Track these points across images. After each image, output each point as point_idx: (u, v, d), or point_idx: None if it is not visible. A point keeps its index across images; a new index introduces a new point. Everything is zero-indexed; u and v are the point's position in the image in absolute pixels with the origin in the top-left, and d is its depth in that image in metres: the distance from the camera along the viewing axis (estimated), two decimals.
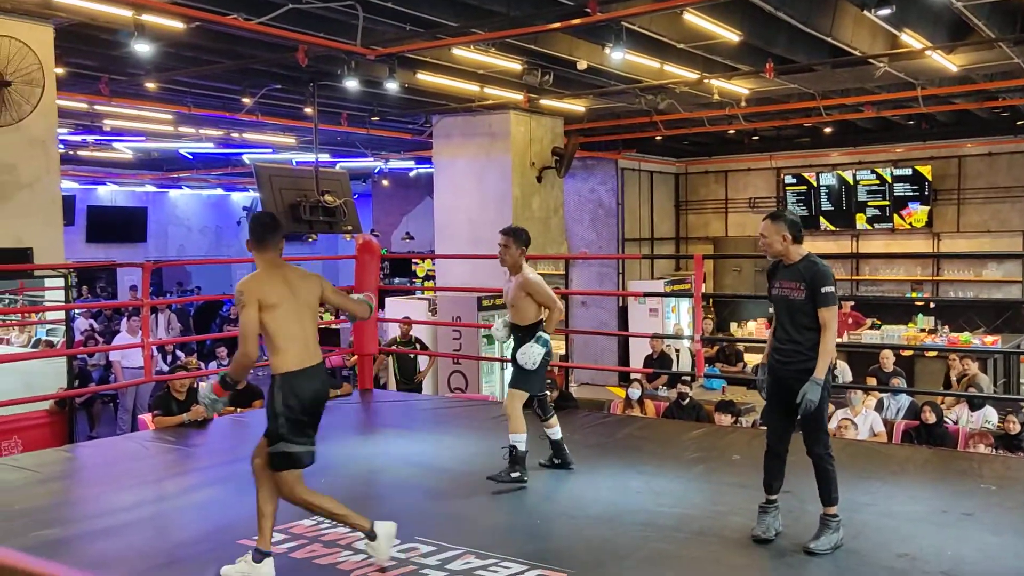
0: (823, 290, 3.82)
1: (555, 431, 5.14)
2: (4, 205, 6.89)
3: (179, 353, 13.36)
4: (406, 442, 6.15)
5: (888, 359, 9.13)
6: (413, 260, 20.50)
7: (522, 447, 4.84)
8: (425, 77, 9.92)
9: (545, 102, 11.69)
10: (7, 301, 9.61)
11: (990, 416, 7.69)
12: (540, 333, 4.94)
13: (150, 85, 9.94)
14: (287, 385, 3.60)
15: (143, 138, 14.28)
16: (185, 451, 5.87)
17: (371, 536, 3.68)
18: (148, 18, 6.74)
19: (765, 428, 7.29)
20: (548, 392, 5.36)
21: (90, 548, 4.08)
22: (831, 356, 3.84)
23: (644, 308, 14.65)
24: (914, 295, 14.51)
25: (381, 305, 11.02)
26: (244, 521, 3.97)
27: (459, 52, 8.86)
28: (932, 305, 13.65)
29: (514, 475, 4.80)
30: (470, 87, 10.66)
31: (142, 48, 6.86)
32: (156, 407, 6.64)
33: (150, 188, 21.40)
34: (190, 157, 16.95)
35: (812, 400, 3.78)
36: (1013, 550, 3.84)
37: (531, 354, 4.91)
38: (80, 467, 5.75)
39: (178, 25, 7.09)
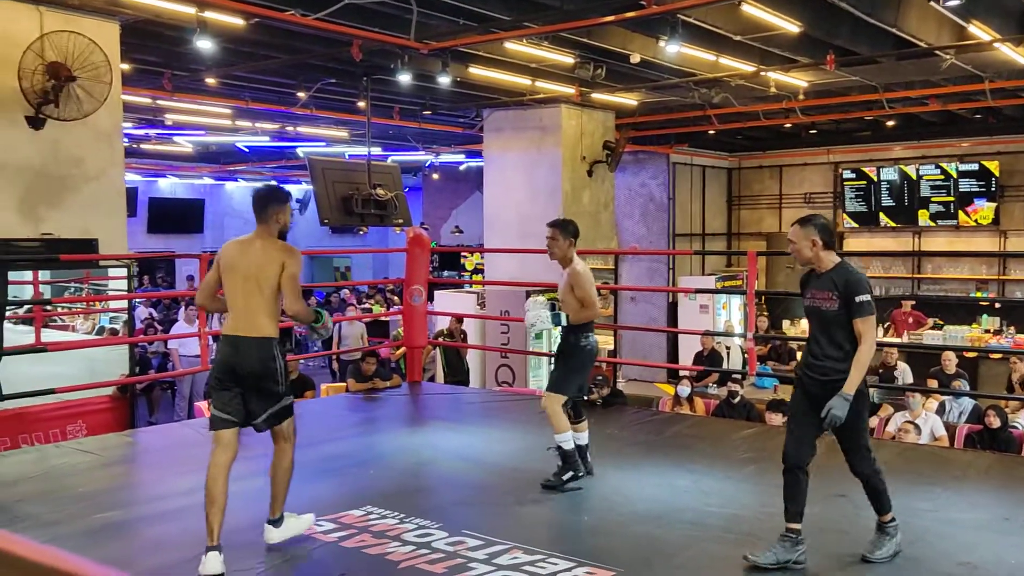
0: (858, 299, 3.60)
1: (583, 436, 4.98)
2: (71, 197, 7.11)
3: None
4: (454, 435, 6.18)
5: (950, 360, 8.86)
6: (462, 254, 20.61)
7: (568, 446, 4.77)
8: (477, 71, 9.93)
9: (597, 96, 11.60)
10: (73, 289, 9.94)
11: None
12: (559, 311, 4.83)
13: (210, 80, 10.15)
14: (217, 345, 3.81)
15: (202, 132, 14.60)
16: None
17: (209, 550, 3.63)
18: (210, 15, 6.87)
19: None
20: (585, 396, 5.18)
21: (148, 531, 4.20)
22: (864, 370, 3.62)
23: (694, 304, 14.48)
24: (979, 295, 14.05)
25: (430, 298, 11.09)
26: (295, 508, 4.04)
27: (511, 46, 8.84)
28: (997, 305, 13.20)
29: (566, 477, 4.72)
30: (522, 81, 10.65)
31: (204, 44, 7.00)
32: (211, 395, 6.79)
33: (208, 180, 21.90)
34: (246, 150, 17.29)
35: (838, 416, 3.54)
36: None
37: (533, 318, 4.81)
38: (140, 452, 5.93)
39: (238, 21, 7.21)
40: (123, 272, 7.63)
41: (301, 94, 10.78)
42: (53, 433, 6.45)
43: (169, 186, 21.53)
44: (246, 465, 5.38)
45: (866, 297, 3.63)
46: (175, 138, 15.53)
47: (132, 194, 18.44)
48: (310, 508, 4.28)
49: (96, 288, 9.21)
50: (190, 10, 6.75)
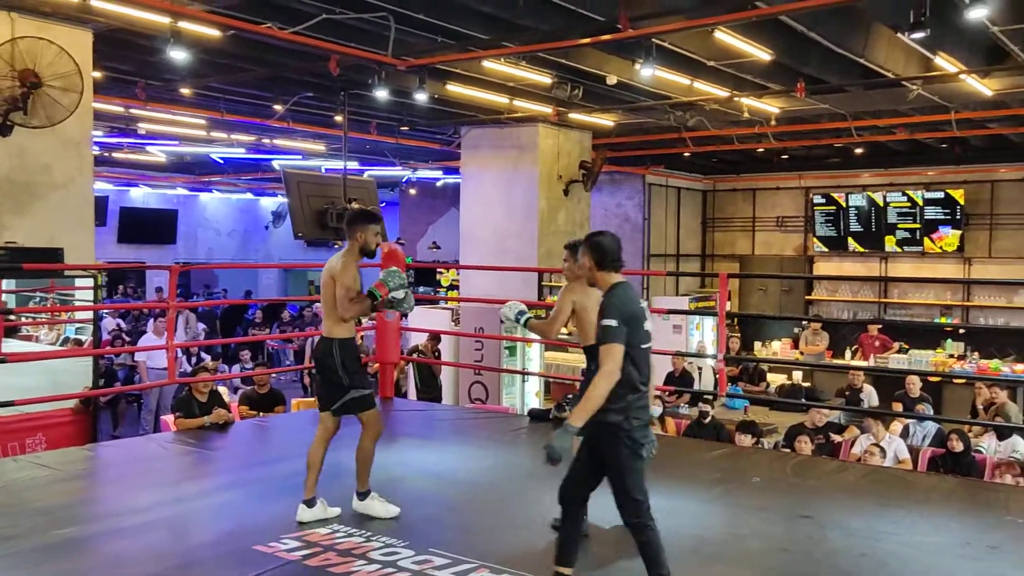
0: (602, 323, 3.32)
1: None
2: (38, 205, 7.01)
3: (204, 355, 13.50)
4: (425, 452, 6.14)
5: (914, 384, 8.97)
6: (438, 270, 20.57)
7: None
8: (455, 88, 9.97)
9: (574, 116, 11.70)
10: (38, 299, 9.75)
11: (1018, 446, 7.53)
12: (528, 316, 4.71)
13: (185, 91, 10.09)
14: None
15: (176, 142, 14.49)
16: (205, 454, 5.91)
17: (303, 502, 4.42)
18: (185, 25, 6.85)
19: (786, 450, 7.23)
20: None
21: (107, 548, 4.11)
22: (594, 401, 3.26)
23: (668, 325, 14.51)
24: (943, 320, 14.28)
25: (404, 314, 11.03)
26: (260, 526, 3.99)
27: (489, 65, 8.90)
28: (961, 331, 13.42)
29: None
30: (499, 99, 10.70)
31: (178, 55, 6.97)
32: (177, 409, 6.70)
33: (181, 191, 21.70)
34: (221, 161, 17.17)
35: (553, 448, 3.21)
36: None
37: (507, 307, 4.72)
38: (101, 466, 5.82)
39: (214, 33, 7.19)
40: (90, 282, 7.52)
41: (278, 107, 10.75)
42: (12, 446, 6.31)
43: (141, 196, 21.30)
44: (211, 481, 5.33)
45: (610, 322, 3.30)
46: (148, 147, 15.39)
47: (102, 203, 18.21)
48: (275, 525, 4.23)
49: (62, 298, 9.05)
50: (164, 20, 6.71)
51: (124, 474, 5.47)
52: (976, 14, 5.79)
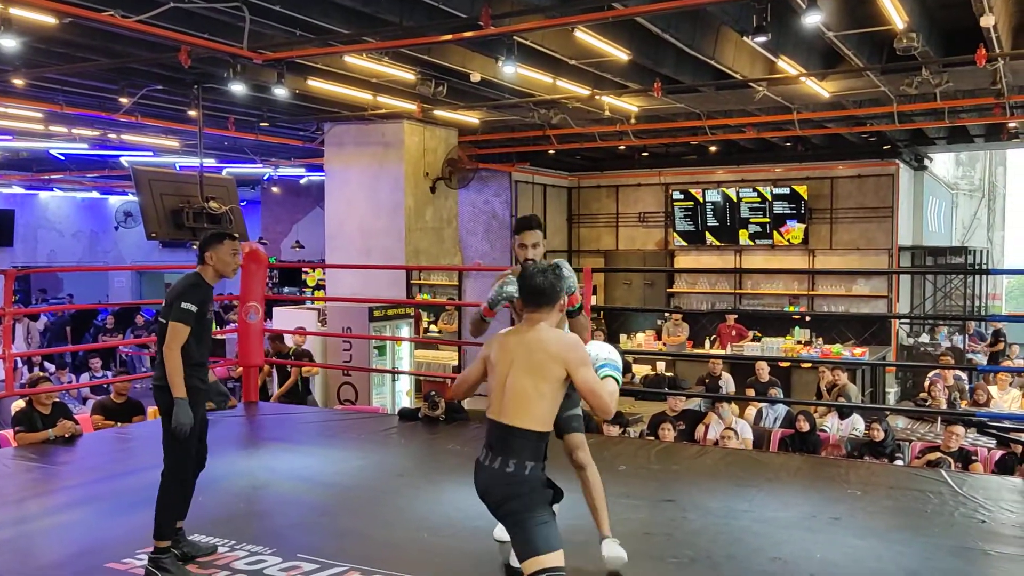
0: None
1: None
2: None
3: (48, 365, 12.57)
4: (291, 456, 5.97)
5: (763, 370, 9.51)
6: (303, 269, 20.05)
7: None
8: (316, 84, 9.74)
9: (439, 113, 11.68)
10: None
11: (857, 424, 8.15)
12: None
13: (17, 81, 9.34)
14: None
15: (9, 137, 13.40)
16: (50, 469, 5.52)
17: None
18: (16, 12, 6.33)
19: (650, 438, 7.50)
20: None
21: None
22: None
23: None
24: (791, 309, 15.24)
25: (268, 315, 10.70)
26: (111, 543, 3.76)
27: (351, 60, 8.74)
28: (808, 319, 14.37)
29: None
30: (363, 95, 10.54)
31: (7, 43, 6.43)
32: (18, 422, 6.21)
33: (17, 189, 20.11)
34: (62, 158, 16.01)
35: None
36: (874, 553, 4.07)
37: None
38: None
39: (49, 20, 6.69)
40: None
41: (124, 100, 10.12)
42: None
43: None
44: (57, 498, 4.97)
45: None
46: None
47: None
48: (130, 540, 3.99)
49: None
50: None
51: None
52: (812, 20, 6.20)
